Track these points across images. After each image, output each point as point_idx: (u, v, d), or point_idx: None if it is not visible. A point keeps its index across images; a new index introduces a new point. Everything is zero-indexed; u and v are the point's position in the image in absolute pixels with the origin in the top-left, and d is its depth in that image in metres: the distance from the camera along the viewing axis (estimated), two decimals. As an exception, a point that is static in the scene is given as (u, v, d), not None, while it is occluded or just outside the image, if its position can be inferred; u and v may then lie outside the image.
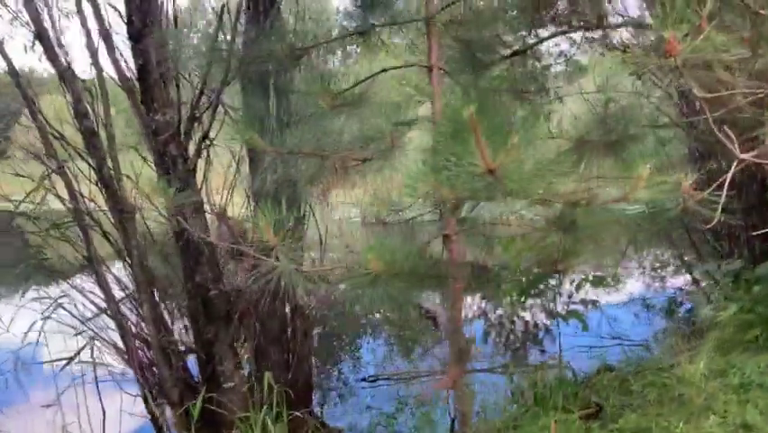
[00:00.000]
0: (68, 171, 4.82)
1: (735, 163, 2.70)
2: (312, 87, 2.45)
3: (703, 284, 6.81)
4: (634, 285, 9.24)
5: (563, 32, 4.43)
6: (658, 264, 10.02)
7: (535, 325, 7.34)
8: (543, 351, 6.92)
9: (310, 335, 5.15)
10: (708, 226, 6.84)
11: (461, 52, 3.39)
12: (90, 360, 4.60)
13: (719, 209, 3.22)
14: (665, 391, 4.44)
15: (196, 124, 4.18)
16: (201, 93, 4.16)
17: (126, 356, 4.81)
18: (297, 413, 4.60)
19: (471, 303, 8.61)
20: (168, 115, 4.18)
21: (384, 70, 2.97)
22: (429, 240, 2.92)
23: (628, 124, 3.51)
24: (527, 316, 7.45)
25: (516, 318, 7.51)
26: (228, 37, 3.73)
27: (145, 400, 4.79)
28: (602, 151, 3.46)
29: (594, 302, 6.67)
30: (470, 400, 2.97)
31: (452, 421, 3.27)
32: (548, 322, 7.15)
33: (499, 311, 7.86)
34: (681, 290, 7.96)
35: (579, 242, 2.55)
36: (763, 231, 5.01)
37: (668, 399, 4.31)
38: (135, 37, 4.09)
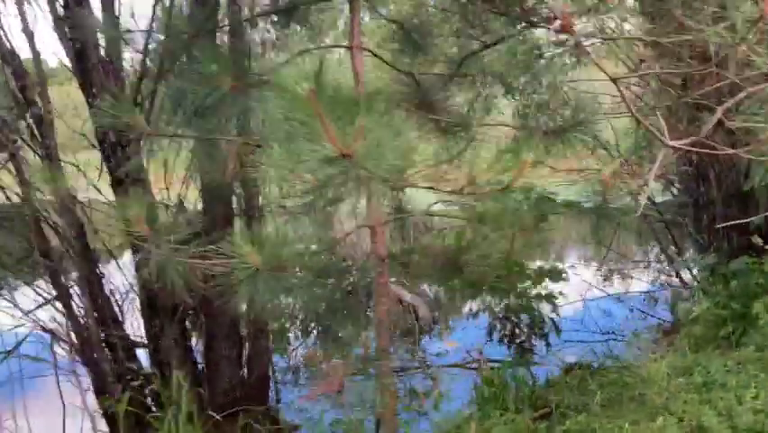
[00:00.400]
0: (19, 158, 4.68)
1: (662, 152, 2.53)
2: (211, 67, 2.29)
3: (678, 279, 6.62)
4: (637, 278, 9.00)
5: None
6: (647, 258, 9.80)
7: (541, 318, 7.20)
8: (548, 344, 6.77)
9: (266, 330, 5.00)
10: (670, 219, 6.68)
11: (401, 35, 3.23)
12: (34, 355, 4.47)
13: (643, 200, 3.05)
14: (626, 391, 4.27)
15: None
16: (141, 78, 4.00)
17: (74, 349, 4.69)
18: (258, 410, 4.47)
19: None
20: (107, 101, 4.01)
21: (303, 52, 2.80)
22: (350, 231, 2.76)
23: (578, 112, 3.34)
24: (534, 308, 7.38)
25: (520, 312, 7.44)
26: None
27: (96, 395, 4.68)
28: (546, 138, 3.30)
29: (550, 297, 6.52)
30: (392, 400, 2.80)
31: (377, 422, 3.13)
32: (553, 315, 6.99)
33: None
34: (665, 284, 7.76)
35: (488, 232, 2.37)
36: (734, 222, 4.80)
37: (627, 398, 4.14)
38: (71, 20, 3.94)
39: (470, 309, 7.90)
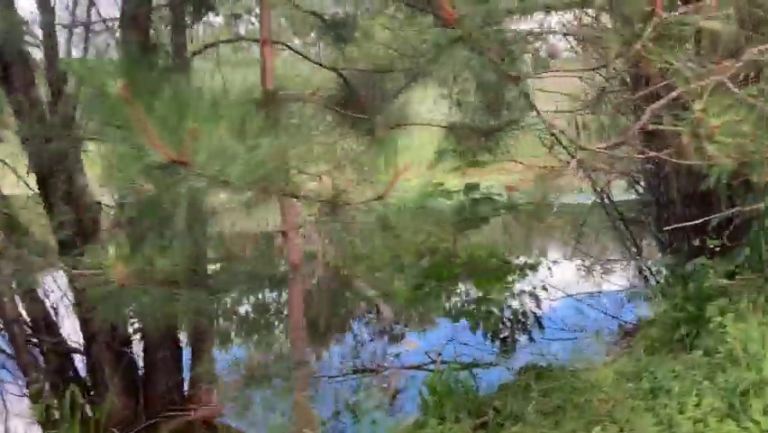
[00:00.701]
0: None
1: (576, 153, 2.40)
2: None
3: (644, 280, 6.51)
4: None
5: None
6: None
7: (524, 313, 7.05)
8: (531, 339, 6.69)
9: (209, 333, 4.84)
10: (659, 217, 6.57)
11: (323, 28, 3.07)
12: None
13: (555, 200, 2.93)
14: (575, 396, 4.15)
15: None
16: (66, 72, 3.82)
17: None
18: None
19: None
20: (31, 95, 3.84)
21: (209, 45, 2.64)
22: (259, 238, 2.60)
23: (511, 111, 3.20)
24: (516, 304, 7.29)
25: (505, 307, 7.38)
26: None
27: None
28: (476, 137, 3.16)
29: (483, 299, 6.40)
30: (307, 410, 2.66)
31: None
32: (537, 311, 6.89)
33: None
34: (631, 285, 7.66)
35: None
36: (690, 222, 4.70)
37: (572, 405, 4.02)
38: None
39: (455, 304, 8.03)
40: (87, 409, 4.22)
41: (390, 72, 3.11)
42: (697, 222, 4.62)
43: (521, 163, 6.53)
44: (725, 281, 5.01)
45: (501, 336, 6.80)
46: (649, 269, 6.17)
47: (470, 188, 4.11)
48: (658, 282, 6.06)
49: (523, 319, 6.79)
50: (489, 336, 6.80)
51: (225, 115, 1.40)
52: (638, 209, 6.84)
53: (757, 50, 2.32)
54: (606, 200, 6.45)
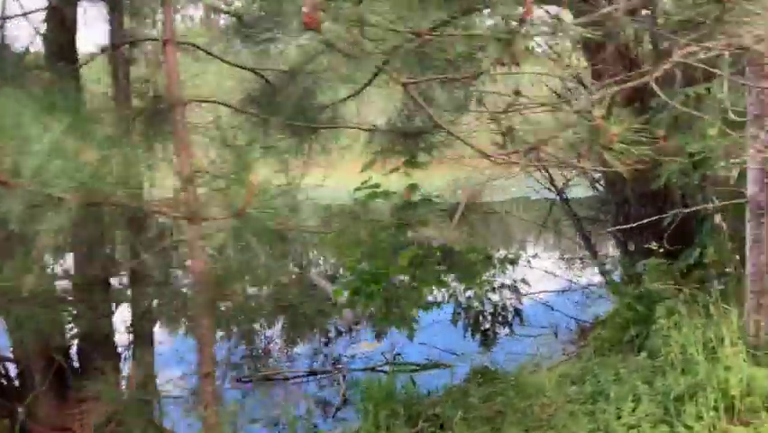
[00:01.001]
0: None
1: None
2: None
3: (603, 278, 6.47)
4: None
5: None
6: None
7: (504, 306, 6.95)
8: (512, 332, 6.65)
9: (150, 334, 4.71)
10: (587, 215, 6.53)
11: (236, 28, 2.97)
12: None
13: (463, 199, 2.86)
14: (519, 401, 4.09)
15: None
16: None
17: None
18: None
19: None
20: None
21: (105, 49, 2.52)
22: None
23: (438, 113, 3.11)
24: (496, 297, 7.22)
25: (485, 300, 7.34)
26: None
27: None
28: (400, 141, 3.07)
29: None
30: (215, 425, 2.55)
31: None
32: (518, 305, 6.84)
33: (469, 293, 7.74)
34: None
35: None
36: (640, 222, 4.66)
37: (512, 411, 3.96)
38: None
39: (435, 299, 7.95)
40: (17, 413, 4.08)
41: (315, 73, 2.99)
42: (642, 222, 4.57)
43: (487, 156, 6.46)
44: (671, 283, 4.97)
45: (482, 328, 6.81)
46: (606, 268, 6.13)
47: (412, 188, 4.02)
48: (614, 282, 6.03)
49: (503, 313, 6.75)
50: (469, 329, 6.82)
51: (52, 128, 1.29)
52: (597, 208, 6.80)
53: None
54: (562, 198, 6.41)
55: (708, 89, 4.15)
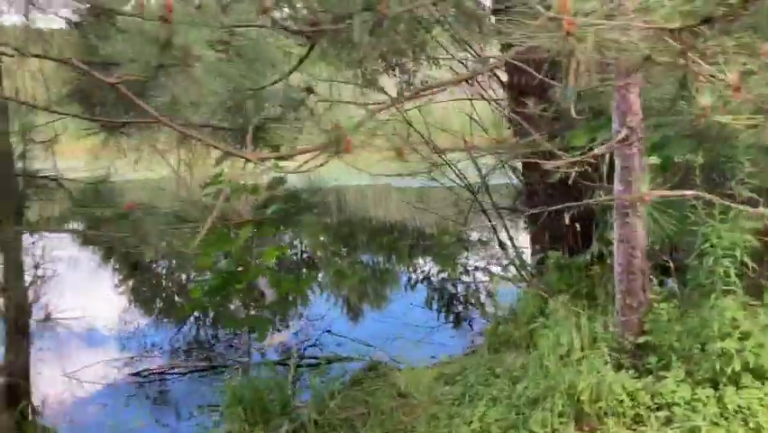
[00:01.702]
0: None
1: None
2: None
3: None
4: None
5: None
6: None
7: (476, 289, 7.11)
8: (485, 313, 6.44)
9: (27, 328, 4.56)
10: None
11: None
12: None
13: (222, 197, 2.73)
14: (383, 402, 3.99)
15: None
16: None
17: None
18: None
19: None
20: None
21: None
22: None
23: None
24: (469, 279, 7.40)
25: (458, 282, 7.43)
26: None
27: None
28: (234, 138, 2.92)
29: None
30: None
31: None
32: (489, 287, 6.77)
33: (443, 275, 7.89)
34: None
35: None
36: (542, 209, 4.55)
37: (376, 412, 3.86)
38: None
39: (409, 280, 7.99)
40: None
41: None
42: (535, 211, 4.46)
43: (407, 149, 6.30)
44: (567, 279, 4.88)
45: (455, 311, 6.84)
46: (513, 259, 6.02)
47: (276, 183, 3.86)
48: (516, 274, 5.93)
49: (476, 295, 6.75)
50: (442, 311, 6.83)
51: None
52: (514, 197, 6.69)
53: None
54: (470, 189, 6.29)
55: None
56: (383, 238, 10.13)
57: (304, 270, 7.85)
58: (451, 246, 8.06)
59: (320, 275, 8.18)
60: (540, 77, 3.72)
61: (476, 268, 7.63)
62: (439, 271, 8.08)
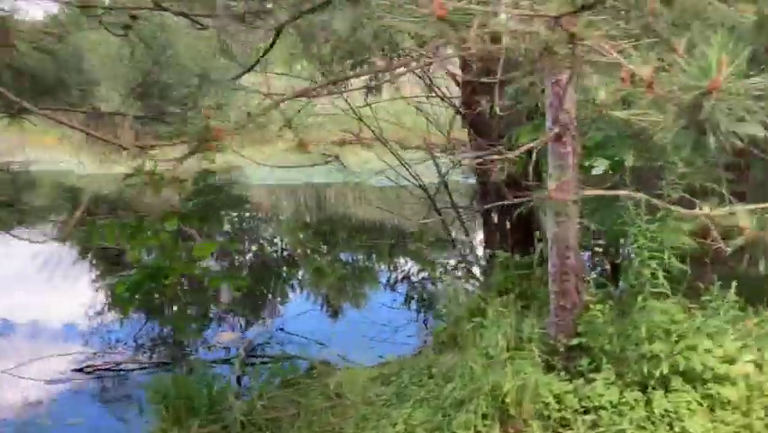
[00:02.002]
0: None
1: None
2: None
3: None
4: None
5: None
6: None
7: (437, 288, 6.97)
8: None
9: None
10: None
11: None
12: None
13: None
14: (315, 402, 3.90)
15: None
16: None
17: None
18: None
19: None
20: None
21: None
22: None
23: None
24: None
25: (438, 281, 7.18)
26: None
27: None
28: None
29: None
30: None
31: None
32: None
33: (423, 274, 7.86)
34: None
35: None
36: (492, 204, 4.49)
37: (306, 412, 3.77)
38: None
39: (389, 280, 8.01)
40: None
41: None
42: (477, 210, 4.39)
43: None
44: (513, 278, 4.83)
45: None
46: (466, 258, 5.97)
47: (204, 176, 3.75)
48: (468, 273, 5.88)
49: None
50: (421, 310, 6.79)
51: None
52: (471, 196, 6.65)
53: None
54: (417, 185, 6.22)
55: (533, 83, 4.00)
56: (362, 236, 10.13)
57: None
58: (431, 246, 8.02)
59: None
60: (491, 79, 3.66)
61: (445, 268, 7.56)
62: (419, 271, 8.13)
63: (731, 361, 3.39)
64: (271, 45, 2.99)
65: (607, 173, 4.37)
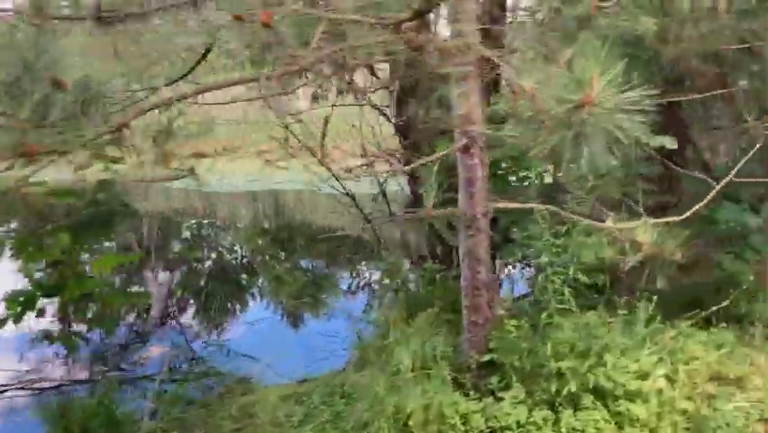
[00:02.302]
0: None
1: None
2: None
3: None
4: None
5: None
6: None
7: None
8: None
9: None
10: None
11: None
12: None
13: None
14: (223, 424, 3.74)
15: None
16: None
17: None
18: None
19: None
20: None
21: None
22: None
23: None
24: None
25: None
26: None
27: None
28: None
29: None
30: None
31: None
32: None
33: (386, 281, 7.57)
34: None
35: None
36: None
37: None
38: None
39: (350, 287, 7.82)
40: None
41: None
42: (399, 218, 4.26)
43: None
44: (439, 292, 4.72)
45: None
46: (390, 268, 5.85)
47: (103, 186, 3.55)
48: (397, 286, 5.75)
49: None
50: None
51: None
52: (406, 204, 6.55)
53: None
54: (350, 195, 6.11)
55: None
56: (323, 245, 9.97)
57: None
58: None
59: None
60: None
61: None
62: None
63: (644, 376, 3.33)
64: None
65: (524, 185, 4.31)
